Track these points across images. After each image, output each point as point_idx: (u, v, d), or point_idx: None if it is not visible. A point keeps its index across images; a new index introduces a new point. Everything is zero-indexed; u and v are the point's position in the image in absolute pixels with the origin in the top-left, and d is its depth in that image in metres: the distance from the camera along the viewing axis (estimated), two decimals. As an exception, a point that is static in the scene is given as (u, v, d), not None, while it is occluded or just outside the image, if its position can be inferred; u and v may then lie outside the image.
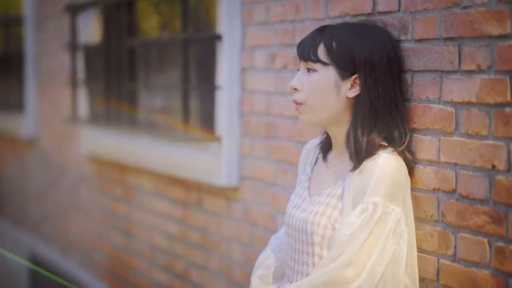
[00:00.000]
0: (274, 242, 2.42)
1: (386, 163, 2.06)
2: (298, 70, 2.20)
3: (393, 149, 2.10)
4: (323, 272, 2.03)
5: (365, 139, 2.10)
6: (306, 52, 2.15)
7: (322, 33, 2.16)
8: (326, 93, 2.14)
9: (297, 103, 2.18)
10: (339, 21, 2.43)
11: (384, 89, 2.12)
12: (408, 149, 2.15)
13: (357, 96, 2.13)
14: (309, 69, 2.16)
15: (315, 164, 2.31)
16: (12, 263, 6.17)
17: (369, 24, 2.25)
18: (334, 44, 2.12)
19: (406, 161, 2.12)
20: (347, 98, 2.14)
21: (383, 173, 2.04)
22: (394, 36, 2.22)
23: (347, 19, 2.44)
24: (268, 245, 2.44)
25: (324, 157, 2.27)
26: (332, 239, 2.09)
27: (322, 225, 2.12)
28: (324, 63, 2.13)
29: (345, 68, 2.12)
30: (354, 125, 2.13)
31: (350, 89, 2.13)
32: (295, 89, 2.18)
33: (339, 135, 2.19)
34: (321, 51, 2.13)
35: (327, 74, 2.13)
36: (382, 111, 2.12)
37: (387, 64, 2.13)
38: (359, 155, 2.09)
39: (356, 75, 2.12)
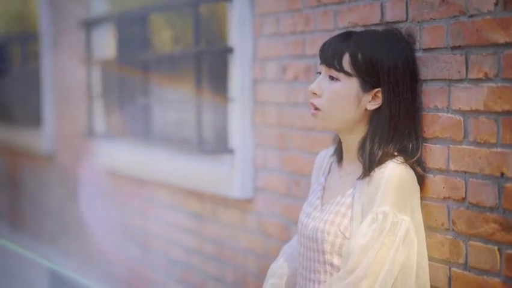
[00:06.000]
0: (286, 251, 2.43)
1: (393, 172, 2.06)
2: (318, 73, 2.18)
3: (403, 159, 2.11)
4: (342, 286, 2.03)
5: (380, 152, 2.10)
6: (330, 59, 2.13)
7: (348, 40, 2.14)
8: (346, 103, 2.13)
9: (315, 108, 2.16)
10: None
11: (405, 103, 2.12)
12: (419, 162, 2.15)
13: (377, 108, 2.13)
14: (331, 77, 2.15)
15: (328, 173, 2.32)
16: (33, 271, 6.21)
17: (393, 33, 2.22)
18: (359, 56, 2.10)
19: (416, 173, 2.12)
20: (366, 109, 2.14)
21: (391, 182, 2.05)
22: (413, 47, 2.20)
23: (357, 29, 2.44)
24: (281, 254, 2.45)
25: (338, 166, 2.27)
26: (344, 250, 2.10)
27: (332, 233, 2.13)
28: (347, 74, 2.12)
29: (369, 81, 2.11)
30: (371, 137, 2.12)
31: (371, 101, 2.12)
32: (314, 93, 2.16)
33: (352, 143, 2.19)
34: (346, 61, 2.12)
35: (349, 85, 2.12)
36: (401, 125, 2.12)
37: (408, 78, 2.13)
38: (372, 166, 2.10)
39: (379, 88, 2.11)
